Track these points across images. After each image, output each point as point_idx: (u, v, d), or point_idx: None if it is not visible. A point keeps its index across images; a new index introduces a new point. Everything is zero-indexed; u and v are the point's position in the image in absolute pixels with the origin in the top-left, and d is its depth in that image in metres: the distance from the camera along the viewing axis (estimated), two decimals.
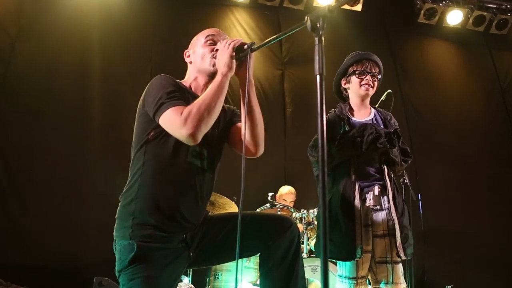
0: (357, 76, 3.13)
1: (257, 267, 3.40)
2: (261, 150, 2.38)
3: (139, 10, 6.38)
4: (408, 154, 3.16)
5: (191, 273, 4.46)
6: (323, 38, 1.61)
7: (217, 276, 4.49)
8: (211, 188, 2.38)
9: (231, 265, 4.46)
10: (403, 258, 2.88)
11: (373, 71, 3.14)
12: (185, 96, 2.21)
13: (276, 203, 4.69)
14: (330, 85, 3.37)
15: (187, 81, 2.45)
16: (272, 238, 2.18)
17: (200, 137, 2.07)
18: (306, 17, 1.65)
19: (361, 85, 3.12)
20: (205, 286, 4.60)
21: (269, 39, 2.14)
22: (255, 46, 2.18)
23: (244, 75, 2.23)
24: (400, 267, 2.93)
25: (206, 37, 2.43)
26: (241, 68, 2.27)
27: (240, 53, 2.20)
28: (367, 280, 2.96)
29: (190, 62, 2.48)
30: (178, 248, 2.16)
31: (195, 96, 2.28)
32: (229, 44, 2.21)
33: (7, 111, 5.48)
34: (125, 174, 2.29)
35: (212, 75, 2.35)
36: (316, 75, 1.56)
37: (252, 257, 4.27)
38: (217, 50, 2.31)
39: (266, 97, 6.62)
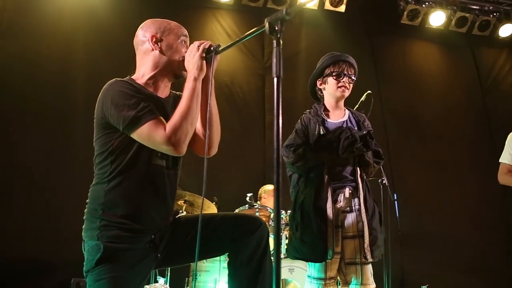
0: (334, 77, 3.13)
1: None
2: (214, 150, 2.35)
3: (122, 10, 6.36)
4: (381, 156, 3.18)
5: (168, 273, 4.45)
6: (281, 41, 1.61)
7: (195, 277, 4.50)
8: (176, 185, 2.38)
9: (210, 265, 4.46)
10: (370, 260, 2.90)
11: (349, 73, 3.15)
12: (151, 103, 2.13)
13: (254, 204, 4.70)
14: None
15: (143, 75, 2.31)
16: (240, 238, 2.18)
17: (185, 149, 2.10)
18: (265, 20, 1.65)
19: (338, 87, 3.13)
20: (184, 287, 4.60)
21: (232, 42, 2.15)
22: (221, 48, 2.17)
23: (207, 76, 2.22)
24: (369, 268, 2.96)
25: (181, 35, 2.35)
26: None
27: (207, 55, 2.18)
28: (337, 282, 2.98)
29: (158, 50, 2.29)
30: (145, 248, 2.16)
31: (156, 98, 2.27)
32: (198, 46, 2.18)
33: None
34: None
35: (178, 75, 2.34)
36: (273, 77, 1.56)
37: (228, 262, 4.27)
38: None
39: (246, 102, 6.63)
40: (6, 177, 5.26)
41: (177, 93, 2.43)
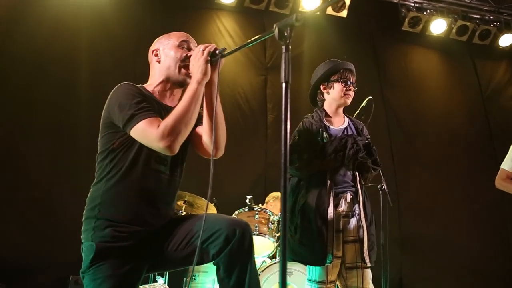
0: (342, 84, 3.18)
1: None
2: (221, 152, 2.37)
3: (125, 6, 6.36)
4: (377, 163, 3.21)
5: (167, 274, 4.46)
6: (290, 47, 1.63)
7: (194, 278, 4.51)
8: (176, 190, 2.39)
9: (208, 266, 4.46)
10: (369, 264, 2.94)
11: (353, 81, 3.21)
12: (153, 106, 2.20)
13: (254, 206, 4.70)
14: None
15: (151, 84, 2.41)
16: (220, 245, 2.07)
17: (177, 149, 2.10)
18: (274, 26, 1.68)
19: (344, 94, 3.18)
20: (183, 287, 4.61)
21: (239, 46, 2.17)
22: (226, 51, 2.18)
23: (212, 80, 2.25)
24: (369, 272, 2.99)
25: (180, 41, 2.40)
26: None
27: (211, 58, 2.20)
28: (336, 286, 3.01)
29: (158, 62, 2.40)
30: (138, 247, 2.15)
31: (161, 104, 2.31)
32: (203, 50, 2.20)
33: None
34: None
35: (180, 82, 2.37)
36: (282, 83, 1.58)
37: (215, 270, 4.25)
38: (189, 56, 2.30)
39: (248, 102, 6.63)
40: (8, 174, 5.26)
41: None
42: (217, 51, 2.20)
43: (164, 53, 2.39)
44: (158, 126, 2.06)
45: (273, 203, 5.34)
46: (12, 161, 5.33)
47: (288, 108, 1.55)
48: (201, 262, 2.16)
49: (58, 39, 5.91)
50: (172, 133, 2.05)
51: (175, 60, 2.35)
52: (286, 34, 1.65)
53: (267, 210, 4.73)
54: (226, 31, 6.86)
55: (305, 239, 2.95)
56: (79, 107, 5.67)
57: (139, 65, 5.80)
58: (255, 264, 2.16)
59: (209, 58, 2.19)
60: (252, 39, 2.01)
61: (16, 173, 5.31)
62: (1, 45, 5.67)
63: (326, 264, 2.90)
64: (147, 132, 2.07)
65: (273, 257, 4.69)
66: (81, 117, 5.59)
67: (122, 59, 5.98)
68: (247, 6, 7.00)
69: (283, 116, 1.55)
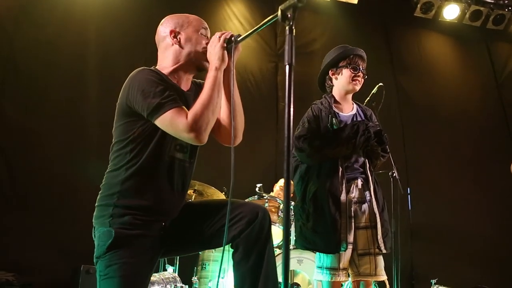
0: (351, 70, 3.12)
1: None
2: (239, 140, 2.35)
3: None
4: (386, 150, 3.17)
5: (177, 262, 4.46)
6: (294, 29, 1.59)
7: (204, 266, 4.51)
8: (191, 177, 2.38)
9: (218, 255, 4.47)
10: (384, 251, 2.91)
11: (363, 68, 3.16)
12: (177, 94, 2.16)
13: (264, 194, 4.68)
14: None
15: (165, 67, 2.32)
16: (241, 227, 2.12)
17: (206, 138, 2.09)
18: (278, 8, 1.63)
19: (352, 80, 3.12)
20: (192, 276, 4.61)
21: (251, 30, 2.13)
22: (240, 37, 2.17)
23: (229, 66, 2.22)
24: (381, 259, 2.96)
25: (202, 28, 2.36)
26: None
27: (227, 45, 2.18)
28: (347, 273, 2.98)
29: (178, 44, 2.31)
30: (156, 235, 2.16)
31: (180, 90, 2.27)
32: (219, 37, 2.18)
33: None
34: None
35: (198, 69, 2.35)
36: (285, 65, 1.54)
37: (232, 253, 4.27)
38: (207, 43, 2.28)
39: (259, 89, 6.61)
40: (20, 164, 5.31)
41: (197, 81, 2.44)
42: (232, 38, 2.18)
43: (185, 37, 2.32)
44: (187, 117, 2.04)
45: (282, 192, 5.32)
46: (23, 152, 5.36)
47: (291, 90, 1.52)
48: (219, 245, 2.18)
49: (68, 28, 5.92)
50: (202, 123, 2.04)
51: (200, 47, 2.31)
52: (289, 15, 1.60)
53: (277, 198, 4.72)
54: (235, 17, 6.81)
55: (319, 227, 2.91)
56: (89, 95, 5.71)
57: (149, 52, 5.80)
58: (273, 249, 2.17)
59: (225, 45, 2.17)
60: (262, 22, 1.97)
61: (28, 163, 5.34)
62: (12, 35, 5.68)
63: (340, 252, 2.87)
64: (175, 123, 2.04)
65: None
66: (92, 104, 5.63)
67: (131, 46, 5.98)
68: None
69: (286, 99, 1.51)
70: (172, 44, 2.32)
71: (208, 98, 2.09)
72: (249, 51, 6.69)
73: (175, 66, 2.31)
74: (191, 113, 2.04)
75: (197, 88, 2.38)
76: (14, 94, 5.53)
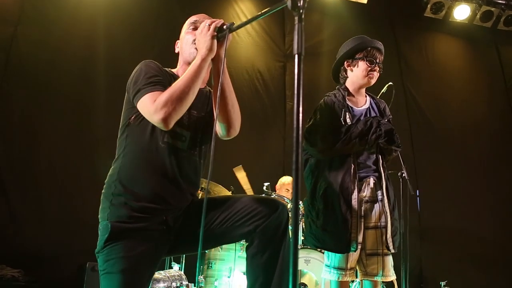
0: (367, 63, 3.04)
1: None
2: (235, 132, 2.30)
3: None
4: (399, 145, 3.08)
5: (183, 261, 4.43)
6: (303, 17, 1.55)
7: (210, 265, 4.47)
8: (198, 171, 2.32)
9: (225, 254, 4.42)
10: (392, 251, 2.85)
11: (379, 61, 3.08)
12: (167, 80, 2.17)
13: (271, 193, 4.65)
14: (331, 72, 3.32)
15: (177, 70, 2.41)
16: (257, 222, 2.07)
17: (172, 123, 2.04)
18: None
19: (368, 73, 3.04)
20: (199, 274, 4.58)
21: (248, 19, 2.09)
22: (234, 26, 2.10)
23: (219, 55, 2.16)
24: (390, 259, 2.90)
25: (190, 24, 2.39)
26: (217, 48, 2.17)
27: (219, 34, 2.12)
28: (355, 273, 2.92)
29: (179, 50, 2.44)
30: (157, 230, 2.11)
31: None
32: (209, 25, 2.12)
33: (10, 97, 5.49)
34: None
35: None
36: (294, 55, 1.50)
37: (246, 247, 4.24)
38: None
39: (267, 89, 6.58)
40: (26, 160, 5.30)
41: (210, 89, 2.43)
42: (224, 26, 2.11)
43: (182, 41, 2.41)
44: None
45: (282, 188, 5.29)
46: (31, 147, 5.36)
47: (301, 81, 1.46)
48: (233, 240, 2.22)
49: (77, 24, 5.93)
50: (165, 106, 2.00)
51: (189, 45, 2.33)
52: (299, 4, 1.56)
53: (285, 197, 4.68)
54: (243, 14, 6.78)
55: (329, 226, 2.85)
56: (98, 92, 5.70)
57: (157, 49, 5.80)
58: (289, 244, 2.09)
59: (215, 33, 2.11)
60: (263, 11, 1.91)
61: (35, 160, 5.34)
62: (22, 30, 5.69)
63: (350, 252, 2.82)
64: (146, 105, 2.05)
65: None
66: (100, 99, 5.63)
67: (139, 43, 5.98)
68: None
69: (295, 90, 1.46)
70: (178, 52, 2.46)
71: (180, 85, 2.05)
72: (258, 50, 6.67)
73: (180, 68, 2.40)
74: (160, 97, 2.02)
75: (207, 92, 2.43)
76: (20, 93, 5.52)
